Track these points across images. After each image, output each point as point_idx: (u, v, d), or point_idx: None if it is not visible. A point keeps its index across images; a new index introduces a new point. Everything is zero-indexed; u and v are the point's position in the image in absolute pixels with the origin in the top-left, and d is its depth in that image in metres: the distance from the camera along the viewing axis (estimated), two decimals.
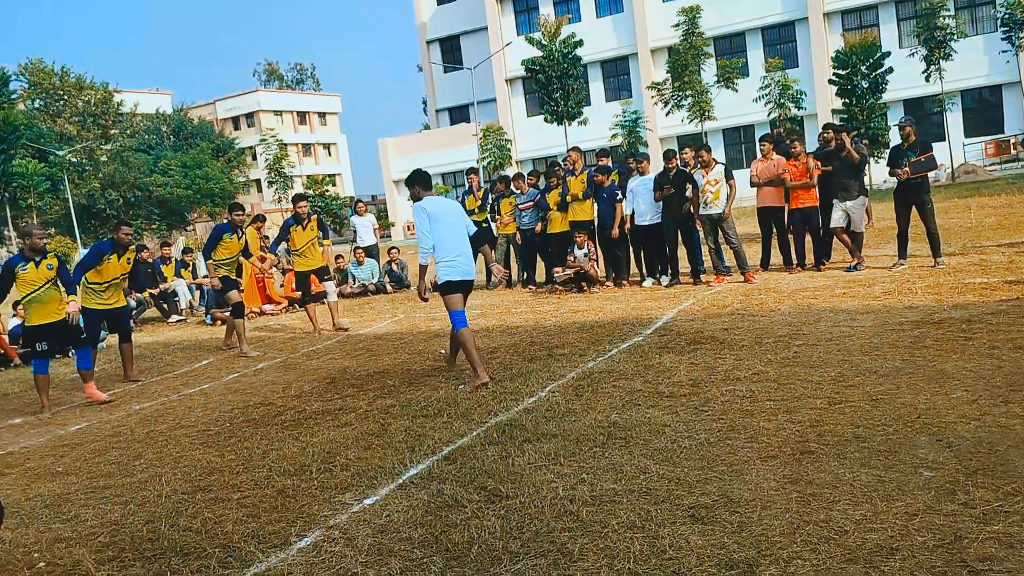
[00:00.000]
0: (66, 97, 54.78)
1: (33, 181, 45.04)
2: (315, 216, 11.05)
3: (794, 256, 11.40)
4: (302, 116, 78.78)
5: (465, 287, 6.85)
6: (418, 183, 7.03)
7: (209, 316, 13.81)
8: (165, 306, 14.70)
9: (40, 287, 7.74)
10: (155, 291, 14.58)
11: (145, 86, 74.59)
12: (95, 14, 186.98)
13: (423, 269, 6.74)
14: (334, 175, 71.08)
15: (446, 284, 6.71)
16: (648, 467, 4.30)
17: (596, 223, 12.14)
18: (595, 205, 12.01)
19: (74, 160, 49.74)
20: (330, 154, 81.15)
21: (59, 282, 7.90)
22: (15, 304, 12.73)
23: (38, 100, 54.34)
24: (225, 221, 10.35)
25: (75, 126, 53.83)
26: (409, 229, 44.98)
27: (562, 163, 12.71)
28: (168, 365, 9.87)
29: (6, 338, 11.72)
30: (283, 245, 11.18)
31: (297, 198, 11.03)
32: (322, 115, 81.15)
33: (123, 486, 5.05)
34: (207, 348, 10.86)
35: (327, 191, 47.95)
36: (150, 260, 14.99)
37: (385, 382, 7.27)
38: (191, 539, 4.01)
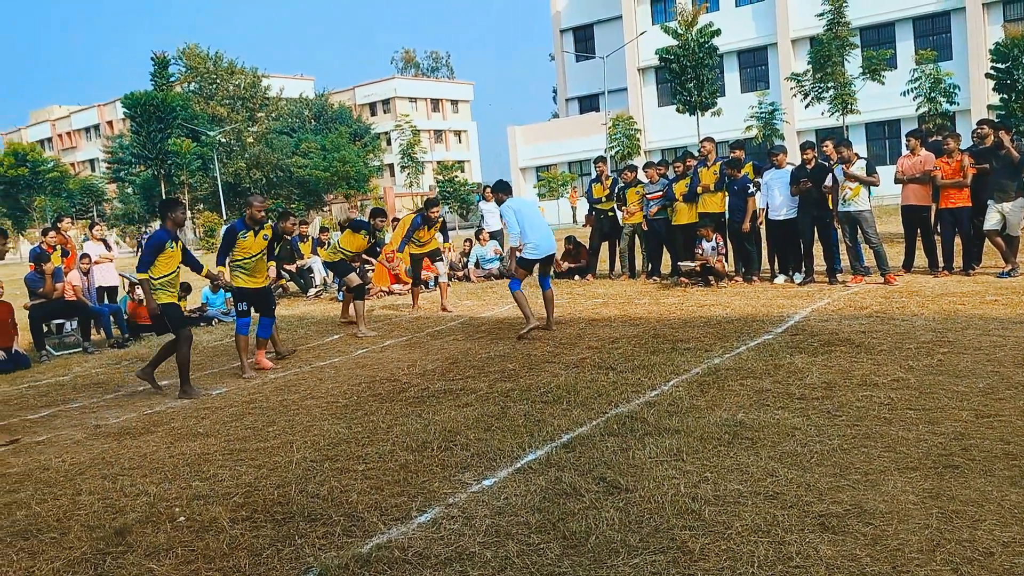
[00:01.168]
0: (218, 81, 58.02)
1: (186, 159, 48.11)
2: (441, 220, 11.79)
3: (941, 258, 10.72)
4: (435, 103, 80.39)
5: (545, 261, 8.95)
6: (502, 191, 9.23)
7: (341, 293, 14.31)
8: (302, 281, 15.37)
9: (255, 255, 8.22)
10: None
11: (290, 72, 78.14)
12: (251, 3, 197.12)
13: (513, 251, 9.11)
14: (463, 161, 72.22)
15: (523, 260, 8.81)
16: (776, 470, 4.14)
17: (727, 215, 11.81)
18: (726, 197, 11.68)
19: (223, 141, 52.71)
20: (460, 141, 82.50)
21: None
22: None
23: (193, 83, 57.78)
24: (367, 220, 10.65)
25: (225, 108, 56.98)
26: None
27: (695, 153, 12.43)
28: (301, 338, 10.30)
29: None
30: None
31: (430, 204, 11.34)
32: (454, 103, 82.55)
33: (257, 450, 5.31)
34: (338, 323, 11.26)
35: (456, 177, 48.93)
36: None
37: (505, 366, 7.33)
38: (318, 506, 4.17)
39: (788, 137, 36.05)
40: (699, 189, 11.65)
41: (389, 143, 67.55)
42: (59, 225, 12.39)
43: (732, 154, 11.68)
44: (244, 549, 3.71)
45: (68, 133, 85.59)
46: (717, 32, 32.47)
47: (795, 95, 32.91)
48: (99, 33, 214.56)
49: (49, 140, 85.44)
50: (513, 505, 3.96)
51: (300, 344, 9.81)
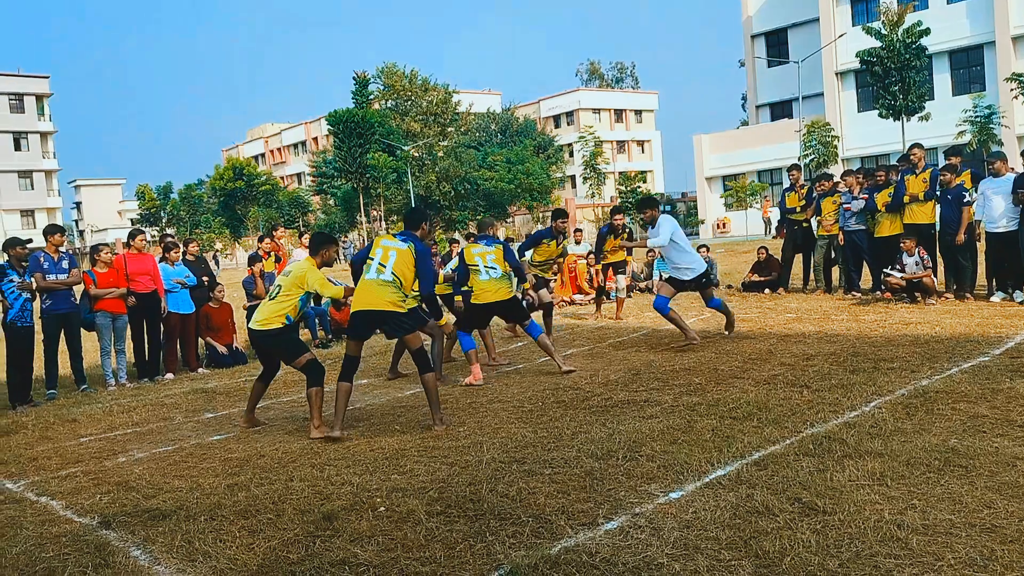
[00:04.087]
0: (413, 98, 60.97)
1: (382, 173, 50.88)
2: (628, 229, 11.85)
3: None
4: (619, 114, 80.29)
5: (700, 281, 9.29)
6: (657, 206, 9.40)
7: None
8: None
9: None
10: None
11: (479, 87, 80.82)
12: (443, 21, 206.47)
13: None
14: (646, 172, 71.55)
15: (675, 280, 9.18)
16: (994, 502, 3.80)
17: (937, 227, 10.94)
18: (936, 207, 10.84)
19: (416, 155, 55.28)
20: (643, 151, 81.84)
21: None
22: None
23: (390, 101, 61.08)
24: (548, 227, 10.68)
25: (419, 124, 59.72)
26: (719, 227, 43.99)
27: (898, 162, 11.65)
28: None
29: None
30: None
31: (615, 211, 11.56)
32: (638, 112, 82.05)
33: (449, 448, 5.53)
34: (520, 332, 11.48)
35: (638, 187, 48.58)
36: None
37: (691, 379, 7.19)
38: (507, 505, 4.28)
39: (1007, 142, 32.91)
40: (906, 198, 10.88)
41: (572, 155, 68.19)
42: (274, 234, 13.46)
43: (949, 160, 10.83)
44: (439, 542, 3.88)
45: (279, 149, 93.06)
46: (926, 31, 30.29)
47: (1016, 97, 30.07)
48: (308, 55, 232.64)
49: (262, 155, 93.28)
50: (702, 519, 3.88)
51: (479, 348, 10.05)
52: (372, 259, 6.38)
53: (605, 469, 4.78)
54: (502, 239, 8.55)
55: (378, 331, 6.78)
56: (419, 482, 4.80)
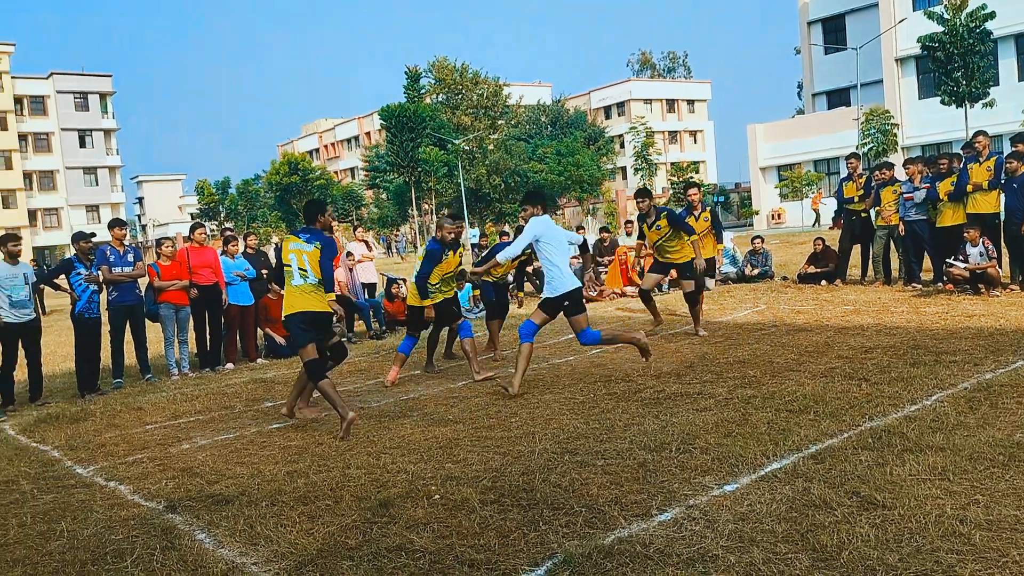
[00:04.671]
0: (464, 91, 61.20)
1: (434, 167, 51.23)
2: (708, 209, 11.02)
3: None
4: (671, 104, 79.40)
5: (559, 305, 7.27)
6: (541, 202, 7.39)
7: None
8: (538, 282, 15.86)
9: (447, 274, 8.41)
10: (529, 269, 15.77)
11: (530, 80, 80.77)
12: (493, 13, 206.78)
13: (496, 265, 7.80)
14: (698, 162, 70.63)
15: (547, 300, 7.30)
16: None
17: (1002, 216, 10.62)
18: (1001, 196, 10.51)
19: (467, 148, 55.51)
20: (695, 141, 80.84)
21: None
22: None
23: (441, 95, 61.42)
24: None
25: (469, 117, 59.97)
26: (774, 218, 43.28)
27: (962, 150, 11.33)
28: (537, 336, 10.59)
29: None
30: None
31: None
32: (690, 102, 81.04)
33: (502, 439, 5.57)
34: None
35: (691, 178, 48.03)
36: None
37: (746, 372, 7.12)
38: (560, 496, 4.31)
39: None
40: (969, 187, 10.58)
41: (622, 146, 67.71)
42: None
43: (1015, 148, 10.49)
44: (493, 530, 3.93)
45: (332, 144, 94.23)
46: (991, 15, 29.25)
47: None
48: (360, 51, 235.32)
49: (316, 150, 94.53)
50: (757, 512, 3.86)
51: (536, 342, 10.05)
52: (290, 266, 6.42)
53: (658, 461, 4.77)
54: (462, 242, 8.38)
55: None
56: (473, 471, 4.86)
